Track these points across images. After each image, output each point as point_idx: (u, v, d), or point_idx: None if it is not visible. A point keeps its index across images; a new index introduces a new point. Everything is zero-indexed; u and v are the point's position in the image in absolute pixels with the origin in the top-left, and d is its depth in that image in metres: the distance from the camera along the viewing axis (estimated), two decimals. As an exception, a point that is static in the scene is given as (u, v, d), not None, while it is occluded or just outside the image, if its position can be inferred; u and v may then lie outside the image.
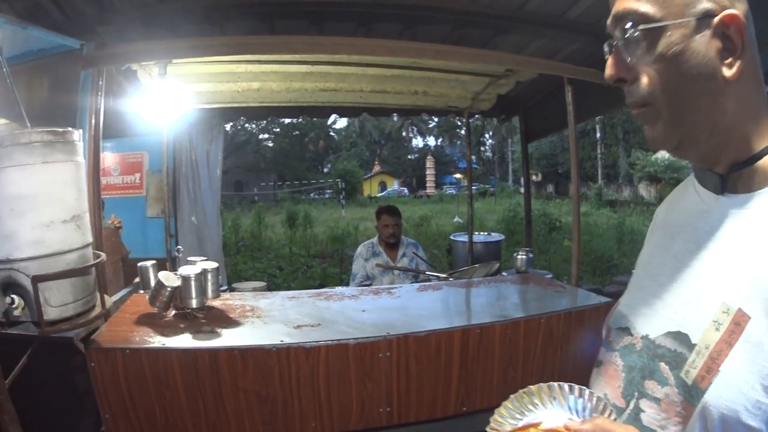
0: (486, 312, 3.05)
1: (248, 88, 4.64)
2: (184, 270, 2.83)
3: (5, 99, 2.33)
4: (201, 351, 2.36)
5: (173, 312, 2.85)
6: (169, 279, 2.82)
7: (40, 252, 1.97)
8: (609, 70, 1.00)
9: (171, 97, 3.95)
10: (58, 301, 2.03)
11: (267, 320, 2.78)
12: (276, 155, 44.44)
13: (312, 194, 41.43)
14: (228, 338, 2.50)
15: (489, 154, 49.40)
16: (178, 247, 4.14)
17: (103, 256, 2.39)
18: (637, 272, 1.25)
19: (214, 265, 2.97)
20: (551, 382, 1.11)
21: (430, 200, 36.64)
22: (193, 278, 2.77)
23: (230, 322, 2.75)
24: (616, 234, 15.28)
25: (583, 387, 1.08)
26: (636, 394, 1.05)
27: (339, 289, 4.00)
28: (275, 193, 39.26)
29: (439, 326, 2.60)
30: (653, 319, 1.06)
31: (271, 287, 5.22)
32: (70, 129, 2.14)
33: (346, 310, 2.98)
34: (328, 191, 41.48)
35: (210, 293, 2.89)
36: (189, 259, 3.13)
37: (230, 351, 2.36)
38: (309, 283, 10.98)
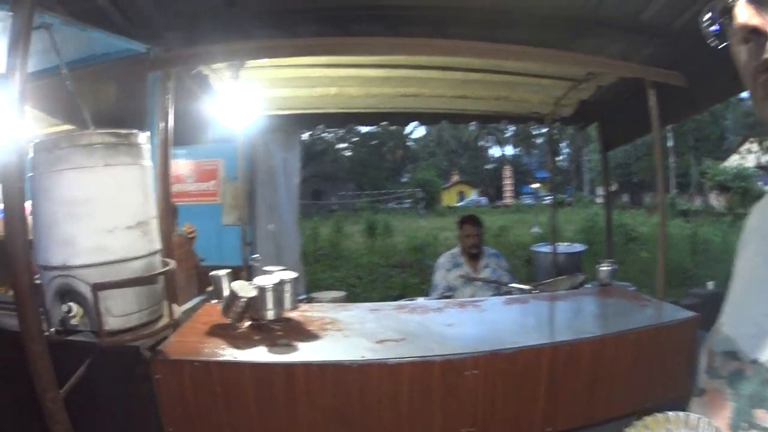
0: (573, 327, 2.92)
1: (325, 93, 4.53)
2: (260, 280, 2.75)
3: (68, 103, 2.28)
4: (276, 365, 2.28)
5: (248, 323, 2.78)
6: (244, 289, 2.74)
7: (102, 259, 1.88)
8: (747, 17, 0.78)
9: (245, 103, 3.90)
10: (120, 311, 1.93)
11: (348, 334, 2.68)
12: (354, 164, 44.93)
13: (390, 203, 41.42)
14: (305, 352, 2.41)
15: (565, 163, 48.40)
16: (255, 255, 4.07)
17: (173, 263, 2.29)
18: (736, 288, 1.06)
19: (293, 274, 2.89)
20: (667, 412, 0.93)
21: (508, 210, 36.12)
22: (269, 289, 2.69)
23: (308, 335, 2.66)
24: (689, 245, 14.60)
25: (701, 416, 0.91)
26: (744, 425, 0.90)
27: (422, 301, 3.93)
28: (354, 203, 39.49)
29: (527, 342, 2.47)
30: (762, 340, 0.91)
31: (350, 297, 5.12)
32: (134, 131, 2.04)
33: (430, 324, 2.87)
34: (407, 201, 41.37)
35: (287, 304, 2.80)
36: (266, 268, 3.06)
37: (307, 366, 2.27)
38: (388, 292, 10.81)
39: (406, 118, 5.64)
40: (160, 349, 2.30)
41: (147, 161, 2.10)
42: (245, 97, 3.86)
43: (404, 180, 47.73)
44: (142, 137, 2.08)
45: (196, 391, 2.22)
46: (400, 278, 12.48)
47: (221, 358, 2.31)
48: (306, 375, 2.23)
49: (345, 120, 5.89)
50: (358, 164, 44.82)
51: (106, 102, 2.75)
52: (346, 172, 44.72)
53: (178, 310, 2.40)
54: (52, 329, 1.89)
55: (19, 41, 1.73)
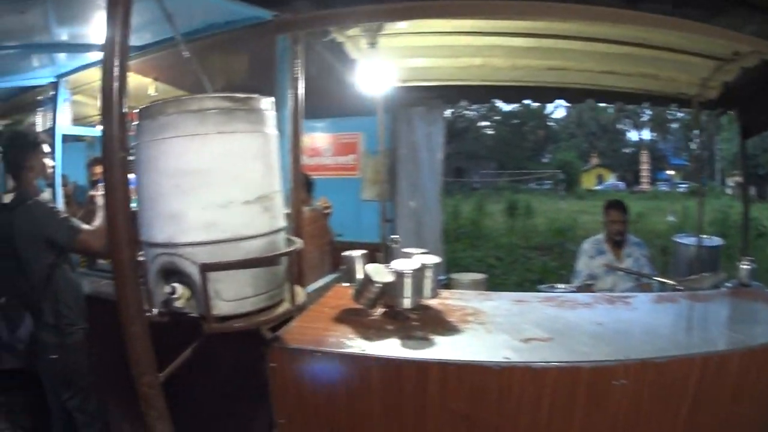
0: (722, 335, 2.63)
1: (469, 64, 4.34)
2: (397, 264, 2.57)
3: (194, 74, 2.14)
4: (408, 362, 2.11)
5: (381, 311, 2.62)
6: (379, 273, 2.57)
7: (213, 237, 1.71)
8: None
9: (384, 73, 3.76)
10: (232, 295, 1.76)
11: (490, 328, 2.46)
12: (496, 143, 44.81)
13: (531, 184, 40.71)
14: (442, 348, 2.22)
15: (698, 151, 45.53)
16: (394, 236, 3.91)
17: (299, 243, 2.09)
18: None
19: (435, 259, 2.69)
20: None
21: (645, 196, 34.79)
22: (408, 275, 2.50)
23: (447, 328, 2.45)
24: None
25: None
26: None
27: (570, 294, 3.69)
28: (495, 181, 38.99)
29: (679, 350, 2.21)
30: None
31: (490, 279, 4.86)
32: (255, 96, 1.84)
33: (580, 321, 2.62)
34: (547, 182, 40.82)
35: (427, 292, 2.61)
36: (405, 250, 2.90)
37: (443, 366, 2.09)
38: (527, 275, 10.60)
39: (550, 94, 5.42)
40: (280, 334, 2.17)
41: (271, 129, 1.91)
42: (384, 67, 3.71)
43: (545, 160, 47.08)
44: (265, 102, 1.89)
45: (314, 383, 2.09)
46: (540, 261, 12.18)
47: (347, 350, 2.14)
48: (441, 375, 2.04)
49: (488, 94, 5.70)
50: (500, 143, 44.67)
51: (233, 72, 2.65)
52: (489, 151, 44.62)
53: (303, 294, 2.19)
54: (154, 310, 1.76)
55: (118, 8, 1.58)
